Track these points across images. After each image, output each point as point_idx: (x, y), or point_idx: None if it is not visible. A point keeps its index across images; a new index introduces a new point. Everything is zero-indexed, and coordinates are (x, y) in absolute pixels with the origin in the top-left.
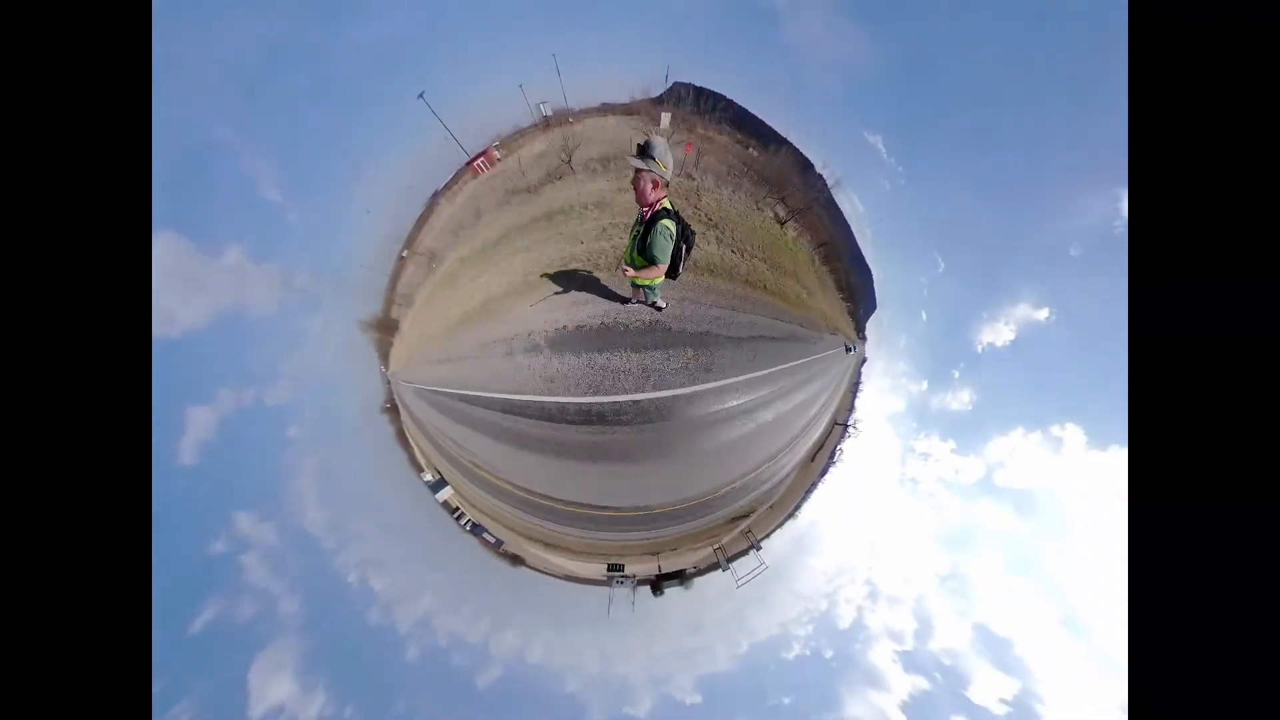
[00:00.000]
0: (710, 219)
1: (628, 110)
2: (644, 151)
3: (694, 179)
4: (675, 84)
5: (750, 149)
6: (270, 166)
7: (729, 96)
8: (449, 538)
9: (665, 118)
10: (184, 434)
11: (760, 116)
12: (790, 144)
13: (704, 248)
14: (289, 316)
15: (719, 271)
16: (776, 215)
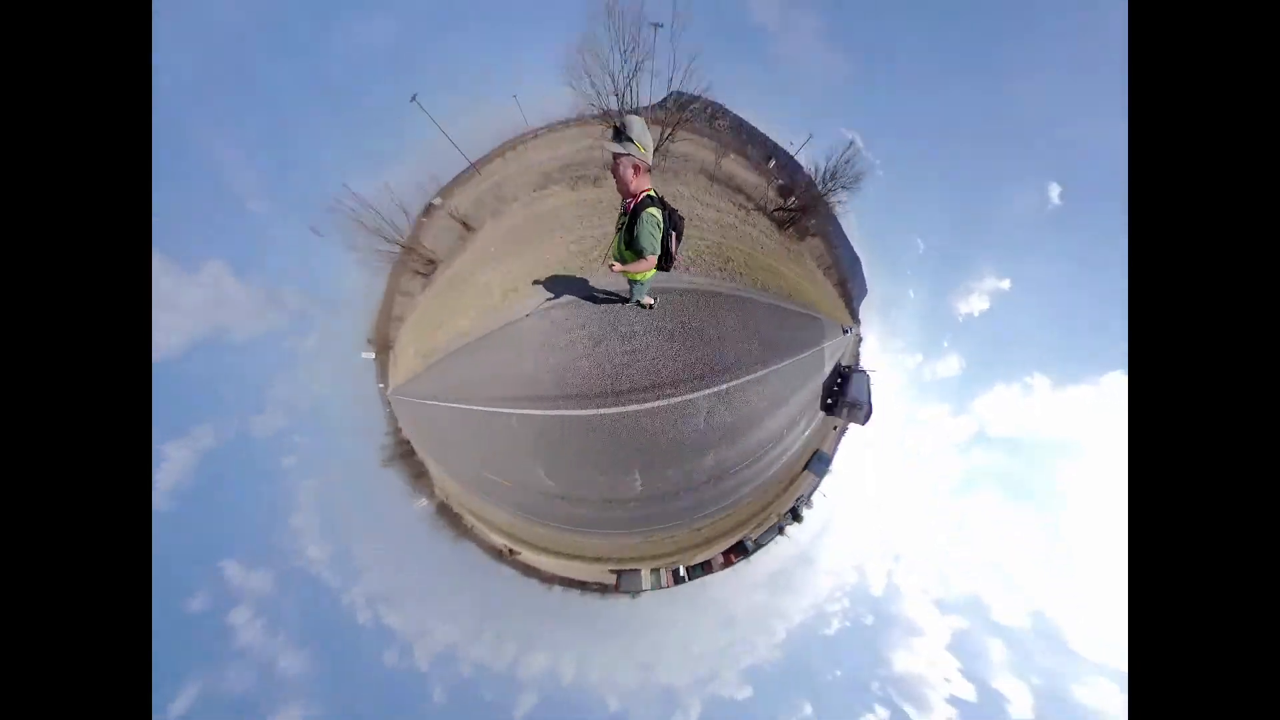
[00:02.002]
0: (714, 218)
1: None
2: (620, 134)
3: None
4: (674, 91)
5: (744, 152)
6: (255, 172)
7: (726, 105)
8: (456, 558)
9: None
10: (155, 476)
11: (754, 124)
12: (780, 147)
13: (705, 240)
14: (278, 338)
15: (720, 263)
16: (769, 213)
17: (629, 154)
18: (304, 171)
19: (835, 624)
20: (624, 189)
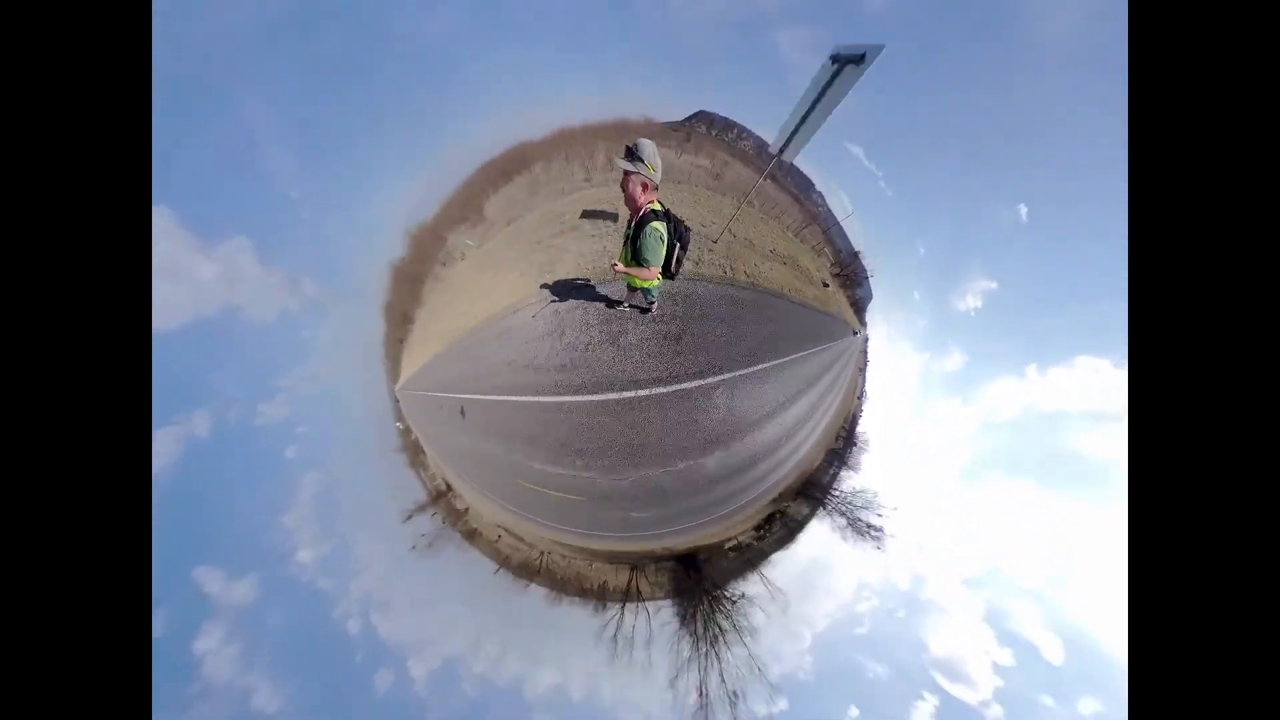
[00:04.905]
0: (729, 232)
1: (649, 132)
2: (632, 154)
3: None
4: (700, 111)
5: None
6: (290, 153)
7: (749, 127)
8: (454, 559)
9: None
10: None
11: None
12: (796, 167)
13: (718, 245)
14: (293, 326)
15: (732, 264)
16: (789, 232)
17: (639, 172)
18: (344, 162)
19: (868, 623)
20: (631, 204)
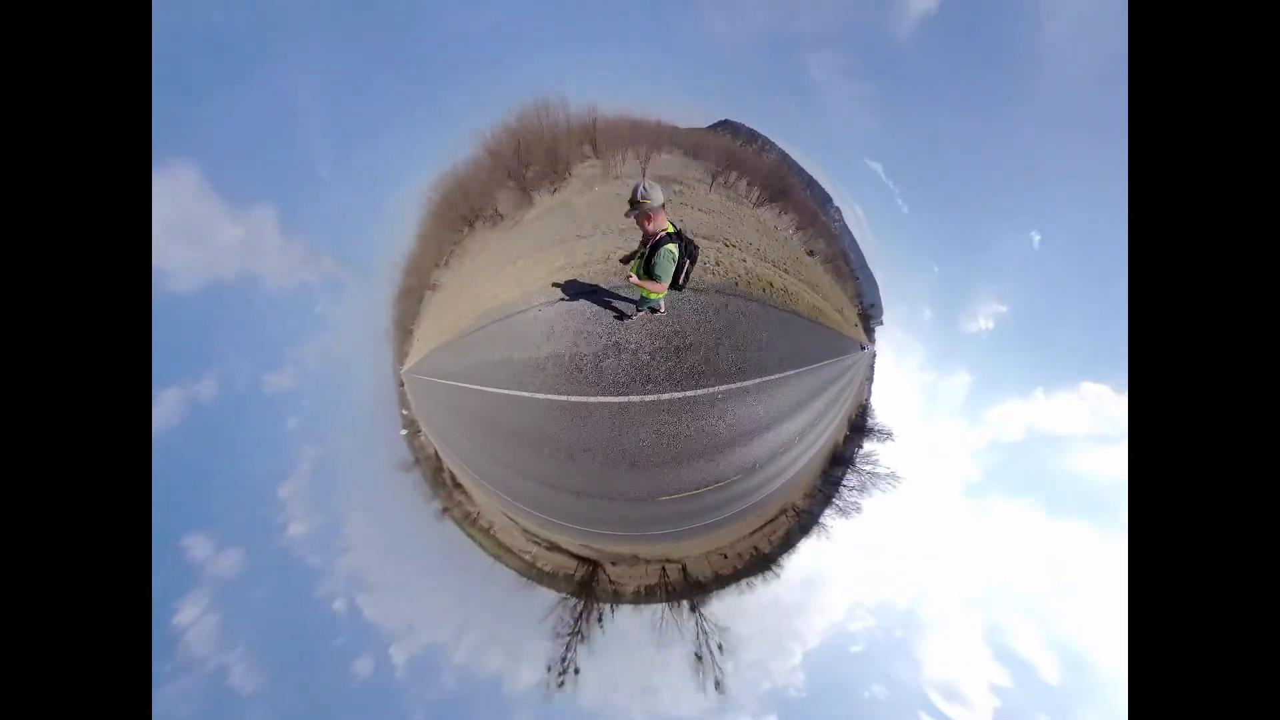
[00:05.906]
0: (746, 243)
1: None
2: (634, 202)
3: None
4: (725, 120)
5: (785, 182)
6: (325, 129)
7: (773, 139)
8: (443, 544)
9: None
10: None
11: (795, 158)
12: (815, 181)
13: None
14: (307, 299)
15: (747, 278)
16: (804, 245)
17: (642, 210)
18: (375, 144)
19: (863, 641)
20: (646, 232)
